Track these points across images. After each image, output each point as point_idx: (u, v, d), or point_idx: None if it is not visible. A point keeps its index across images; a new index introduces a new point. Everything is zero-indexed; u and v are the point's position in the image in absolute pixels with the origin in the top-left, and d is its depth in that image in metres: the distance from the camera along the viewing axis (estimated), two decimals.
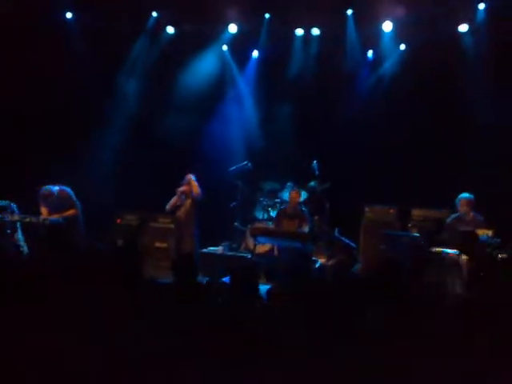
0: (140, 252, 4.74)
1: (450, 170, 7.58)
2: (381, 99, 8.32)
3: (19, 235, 6.56)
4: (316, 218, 7.82)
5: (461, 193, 6.61)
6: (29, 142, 7.96)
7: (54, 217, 6.65)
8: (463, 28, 8.00)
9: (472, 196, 6.52)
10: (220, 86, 9.01)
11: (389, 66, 8.62)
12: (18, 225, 6.59)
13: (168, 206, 7.27)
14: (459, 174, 7.40)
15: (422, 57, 7.96)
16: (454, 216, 6.60)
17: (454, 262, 5.90)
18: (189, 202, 7.21)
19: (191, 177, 7.23)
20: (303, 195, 8.04)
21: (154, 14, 8.69)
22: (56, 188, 6.79)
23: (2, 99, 7.69)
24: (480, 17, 7.81)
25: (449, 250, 6.07)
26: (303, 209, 7.46)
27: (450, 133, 7.85)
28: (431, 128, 7.94)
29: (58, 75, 7.98)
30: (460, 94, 7.77)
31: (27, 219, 6.47)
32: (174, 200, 7.28)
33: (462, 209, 6.50)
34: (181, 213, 7.21)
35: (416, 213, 7.22)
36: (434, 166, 7.78)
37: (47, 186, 6.74)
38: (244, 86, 9.18)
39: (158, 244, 7.19)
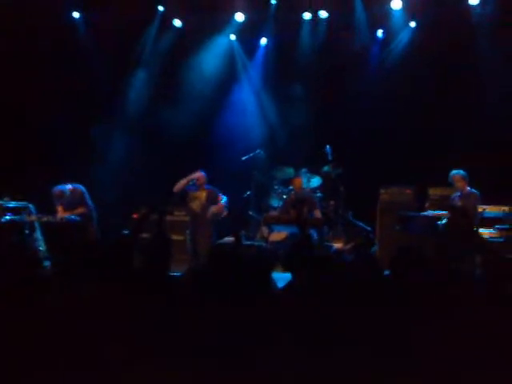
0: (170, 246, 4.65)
1: (465, 147, 7.43)
2: (393, 79, 8.18)
3: (38, 235, 6.68)
4: (331, 202, 7.77)
5: (477, 170, 6.52)
6: (42, 141, 8.07)
7: (69, 214, 6.77)
8: (474, 1, 7.80)
9: (462, 171, 6.46)
10: (230, 76, 8.99)
11: (399, 44, 8.47)
12: (36, 224, 6.71)
13: (175, 188, 7.12)
14: (475, 151, 7.25)
15: (433, 33, 7.80)
16: (456, 194, 6.53)
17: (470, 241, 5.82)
18: (203, 194, 7.15)
19: (221, 199, 7.06)
20: (317, 181, 7.99)
21: (161, 8, 8.70)
22: (68, 186, 6.89)
23: (12, 99, 7.80)
24: None
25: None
26: (311, 195, 7.41)
27: (463, 110, 7.68)
28: (445, 106, 7.78)
29: (68, 74, 8.07)
30: (472, 70, 7.59)
31: (44, 219, 6.59)
32: (182, 182, 7.11)
33: (457, 185, 6.43)
34: (195, 205, 7.15)
35: (433, 192, 7.13)
36: (450, 144, 7.64)
37: (58, 186, 6.85)
38: (254, 73, 9.13)
39: (174, 237, 7.25)
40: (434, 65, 7.88)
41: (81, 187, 6.98)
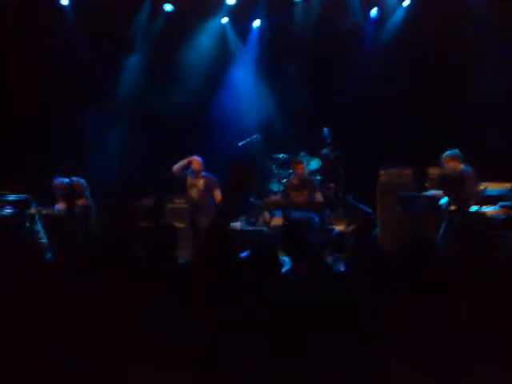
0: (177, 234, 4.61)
1: (464, 126, 7.42)
2: (389, 58, 8.13)
3: (39, 227, 6.66)
4: (331, 185, 7.77)
5: (475, 148, 6.51)
6: (39, 132, 8.00)
7: (69, 207, 6.74)
8: None
9: (456, 151, 6.36)
10: (223, 60, 8.91)
11: (393, 23, 8.41)
12: (37, 217, 6.69)
13: (174, 168, 7.15)
14: (474, 129, 7.24)
15: (428, 11, 7.74)
16: None
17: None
18: (201, 182, 7.16)
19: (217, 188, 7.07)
20: (316, 164, 7.97)
21: None
22: (68, 179, 6.86)
23: (6, 89, 7.73)
24: None
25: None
26: (312, 178, 7.40)
27: (462, 87, 7.66)
28: (442, 84, 7.75)
29: (60, 62, 7.97)
30: (469, 48, 7.55)
31: (44, 211, 6.57)
32: (181, 163, 7.14)
33: (449, 166, 6.34)
34: (193, 193, 7.17)
35: (432, 171, 7.11)
36: (448, 123, 7.62)
37: (59, 178, 6.82)
38: (248, 57, 9.04)
39: (176, 224, 7.25)
40: (430, 43, 7.83)
41: (82, 180, 6.97)
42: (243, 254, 5.20)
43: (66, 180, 6.84)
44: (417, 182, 7.10)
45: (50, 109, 8.00)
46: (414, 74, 7.86)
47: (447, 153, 6.40)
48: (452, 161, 6.35)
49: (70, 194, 6.81)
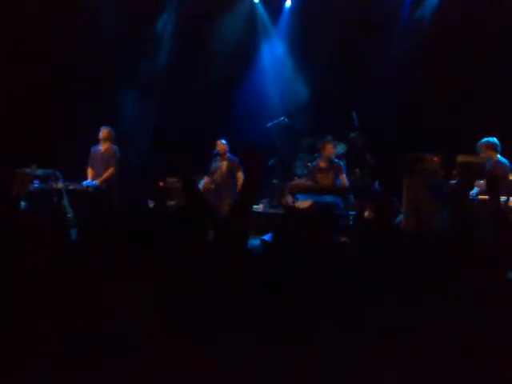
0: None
1: (493, 113, 7.22)
2: (422, 42, 7.94)
3: (65, 202, 6.77)
4: (357, 170, 7.69)
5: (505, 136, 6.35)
6: (67, 108, 8.08)
7: (97, 181, 6.90)
8: None
9: (492, 139, 6.23)
10: (253, 40, 8.82)
11: (430, 5, 8.19)
12: (64, 192, 6.80)
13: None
14: (506, 118, 7.04)
15: None
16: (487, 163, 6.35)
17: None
18: (225, 164, 7.18)
19: (238, 166, 7.12)
20: (342, 148, 7.89)
21: None
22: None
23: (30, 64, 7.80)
24: None
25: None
26: (338, 161, 7.33)
27: (492, 74, 7.43)
28: (475, 70, 7.54)
29: (86, 35, 8.02)
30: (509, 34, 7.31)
31: (71, 186, 6.69)
32: (204, 184, 7.24)
33: (485, 154, 6.24)
34: (217, 176, 7.21)
35: (461, 159, 6.98)
36: (481, 110, 7.42)
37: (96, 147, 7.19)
38: (278, 38, 8.94)
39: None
40: (466, 26, 7.60)
41: (115, 147, 7.19)
42: (266, 237, 5.20)
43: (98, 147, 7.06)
44: (444, 169, 6.99)
45: (76, 83, 8.03)
46: (447, 59, 7.65)
47: (483, 140, 6.27)
48: (488, 149, 6.21)
49: (102, 161, 7.06)
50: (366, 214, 7.10)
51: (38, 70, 7.92)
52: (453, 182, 6.48)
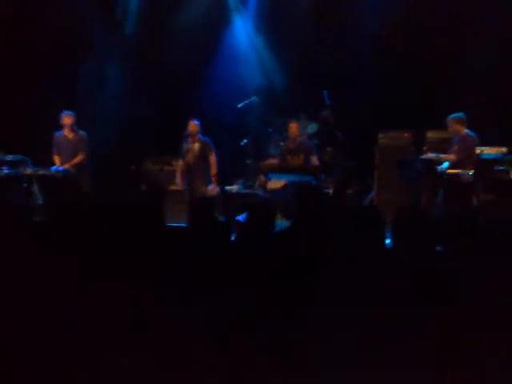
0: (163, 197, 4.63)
1: (464, 89, 7.28)
2: (393, 19, 7.91)
3: (35, 188, 6.67)
4: (329, 149, 7.72)
5: (476, 111, 6.43)
6: (36, 92, 7.88)
7: (65, 166, 6.78)
8: None
9: (460, 114, 6.33)
10: (222, 18, 8.70)
11: None
12: (34, 178, 6.69)
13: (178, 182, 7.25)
14: (474, 93, 7.11)
15: None
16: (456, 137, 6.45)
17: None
18: (196, 145, 7.11)
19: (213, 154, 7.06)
20: (313, 127, 7.89)
21: None
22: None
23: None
24: None
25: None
26: (307, 141, 7.34)
27: (465, 49, 7.47)
28: (448, 45, 7.55)
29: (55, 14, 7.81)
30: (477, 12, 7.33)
31: (40, 172, 6.58)
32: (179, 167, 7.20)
33: (453, 128, 6.36)
34: (189, 158, 7.13)
35: (431, 135, 7.07)
36: (449, 86, 7.48)
37: (59, 132, 6.97)
38: (249, 14, 8.82)
39: (173, 187, 7.25)
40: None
41: (83, 133, 7.04)
42: (241, 217, 5.20)
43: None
44: (415, 146, 7.07)
45: (47, 64, 7.84)
46: (417, 36, 7.65)
47: (451, 116, 6.36)
48: (456, 124, 6.31)
49: (70, 148, 6.90)
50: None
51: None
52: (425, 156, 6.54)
